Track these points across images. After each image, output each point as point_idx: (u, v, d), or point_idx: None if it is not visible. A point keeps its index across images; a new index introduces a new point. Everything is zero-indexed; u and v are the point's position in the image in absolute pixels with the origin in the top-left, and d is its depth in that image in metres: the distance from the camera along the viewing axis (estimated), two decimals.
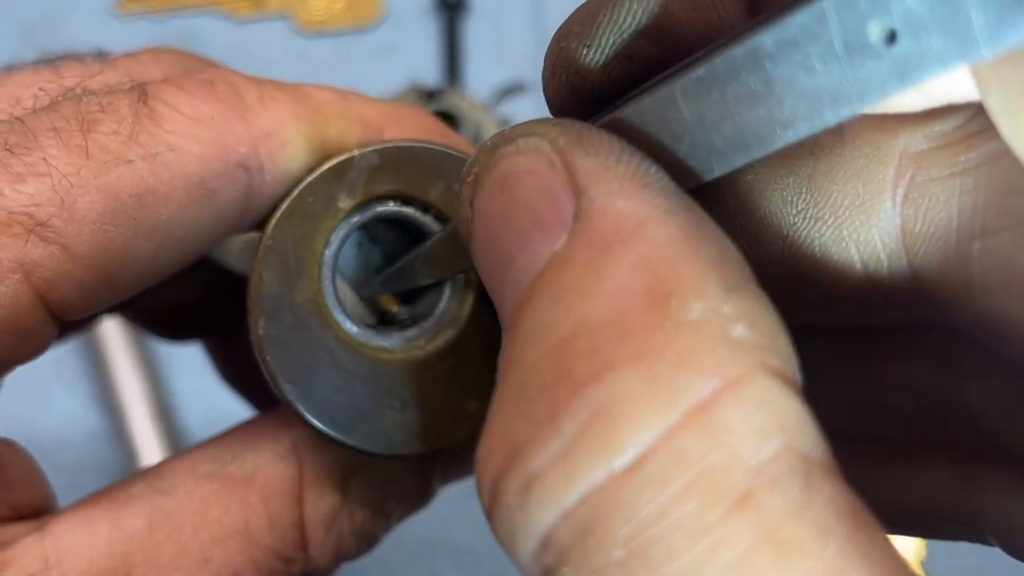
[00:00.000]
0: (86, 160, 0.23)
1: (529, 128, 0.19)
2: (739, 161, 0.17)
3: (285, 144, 0.25)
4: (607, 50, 0.20)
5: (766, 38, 0.15)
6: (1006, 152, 0.19)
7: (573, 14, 0.21)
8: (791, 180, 0.22)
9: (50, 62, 0.27)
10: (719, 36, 0.18)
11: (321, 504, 0.27)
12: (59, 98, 0.25)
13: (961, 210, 0.20)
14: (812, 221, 0.22)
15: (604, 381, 0.15)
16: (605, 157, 0.17)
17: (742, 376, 0.15)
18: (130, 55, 0.28)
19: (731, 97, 0.16)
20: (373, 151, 0.26)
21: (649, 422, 0.15)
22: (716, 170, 0.17)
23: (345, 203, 0.26)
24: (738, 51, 0.15)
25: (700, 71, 0.16)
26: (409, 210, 0.27)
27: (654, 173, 0.17)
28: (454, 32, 0.71)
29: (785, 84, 0.15)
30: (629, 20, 0.19)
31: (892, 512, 0.25)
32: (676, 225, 0.16)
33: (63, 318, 0.24)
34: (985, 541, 0.24)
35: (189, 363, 0.63)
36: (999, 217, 0.20)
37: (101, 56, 0.28)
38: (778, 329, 0.16)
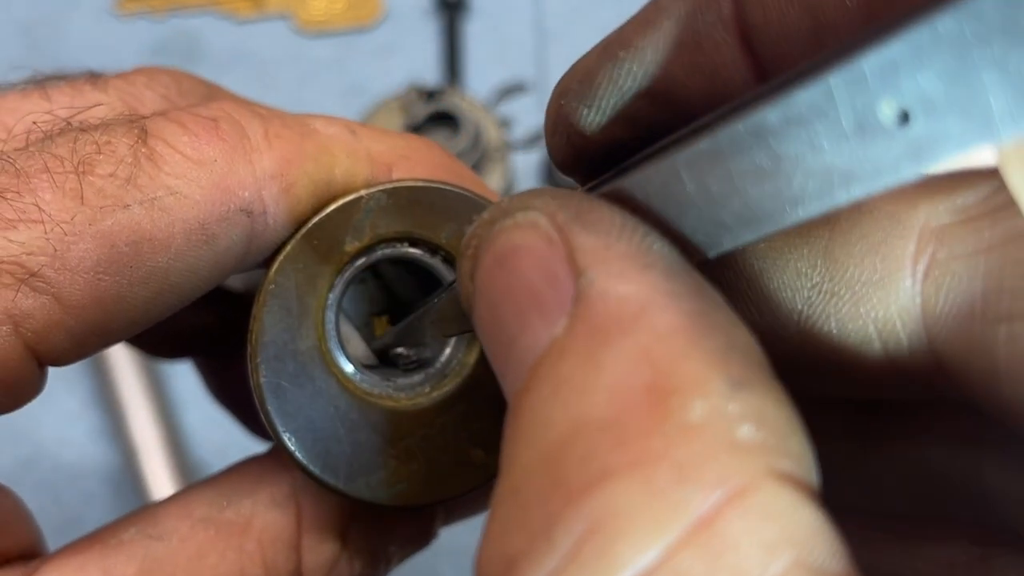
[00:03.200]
0: (81, 205, 0.22)
1: (527, 201, 0.18)
2: (748, 237, 0.16)
3: (291, 186, 0.24)
4: (607, 111, 0.19)
5: (770, 114, 0.14)
6: None
7: (571, 70, 0.20)
8: (806, 251, 0.21)
9: (39, 84, 0.26)
10: (725, 101, 0.17)
11: (319, 552, 0.26)
12: (53, 131, 0.23)
13: (985, 291, 0.19)
14: (828, 296, 0.21)
15: (600, 493, 0.14)
16: (606, 234, 0.16)
17: (747, 484, 0.14)
18: (123, 76, 0.27)
19: (736, 172, 0.15)
20: (381, 191, 0.25)
21: (648, 540, 0.14)
22: (725, 245, 0.17)
23: (351, 245, 0.25)
24: (741, 126, 0.14)
25: (702, 144, 0.15)
26: (417, 252, 0.26)
27: (657, 251, 0.16)
28: (454, 32, 0.71)
29: (792, 161, 0.14)
30: (628, 81, 0.19)
31: None
32: (680, 311, 0.16)
33: (52, 365, 0.23)
34: None
35: (190, 363, 0.63)
36: None
37: (92, 77, 0.26)
38: (790, 426, 0.15)
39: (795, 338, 0.21)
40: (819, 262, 0.21)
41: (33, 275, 0.22)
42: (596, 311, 0.16)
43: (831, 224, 0.20)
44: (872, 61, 0.12)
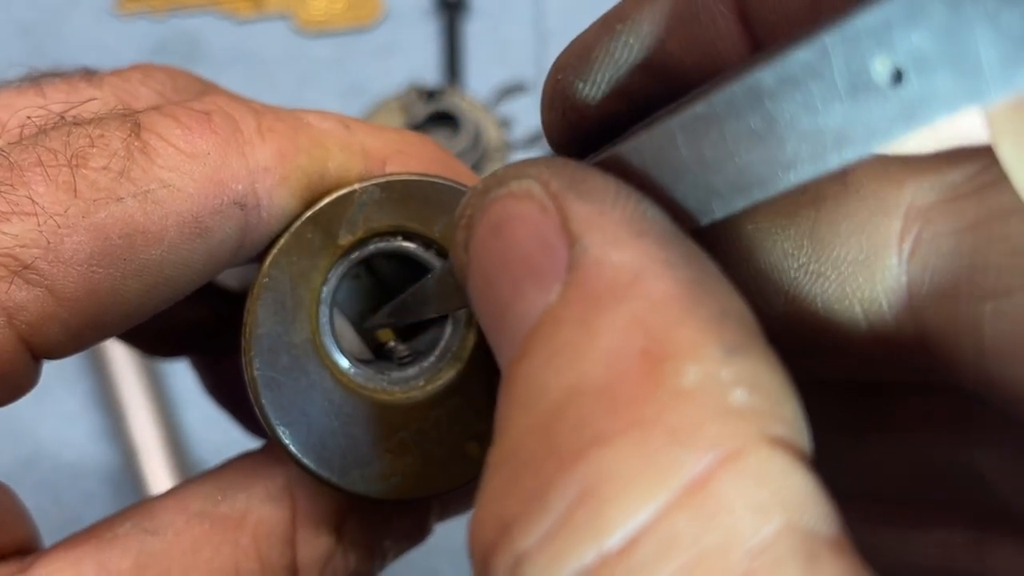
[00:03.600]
0: (74, 198, 0.22)
1: (521, 170, 0.18)
2: (740, 203, 0.16)
3: (284, 179, 0.24)
4: (603, 85, 0.19)
5: (766, 75, 0.14)
6: (1020, 206, 0.18)
7: (569, 46, 0.20)
8: (792, 232, 0.21)
9: (34, 80, 0.26)
10: (719, 74, 0.17)
11: (314, 546, 0.26)
12: (47, 126, 0.23)
13: (971, 268, 0.19)
14: (814, 276, 0.21)
15: (593, 456, 0.14)
16: (600, 201, 0.17)
17: (740, 448, 0.14)
18: (118, 73, 0.27)
19: (731, 136, 0.15)
20: (374, 185, 0.25)
21: (640, 502, 0.14)
22: (716, 212, 0.17)
23: (345, 239, 0.25)
24: (737, 88, 0.14)
25: (698, 108, 0.15)
26: (411, 246, 0.26)
27: (651, 218, 0.16)
28: (454, 32, 0.71)
29: (787, 124, 0.14)
30: (625, 54, 0.19)
31: (902, 573, 0.24)
32: (674, 279, 0.16)
33: (47, 359, 0.23)
34: None
35: (184, 360, 0.63)
36: (1012, 277, 0.18)
37: (87, 74, 0.27)
38: (783, 392, 0.15)
39: (782, 318, 0.21)
40: (805, 242, 0.21)
41: (26, 267, 0.22)
42: (590, 278, 0.16)
43: (817, 204, 0.20)
44: (867, 19, 0.12)
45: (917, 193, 0.20)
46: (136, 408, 0.61)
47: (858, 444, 0.25)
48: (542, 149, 0.68)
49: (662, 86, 0.19)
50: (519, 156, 0.66)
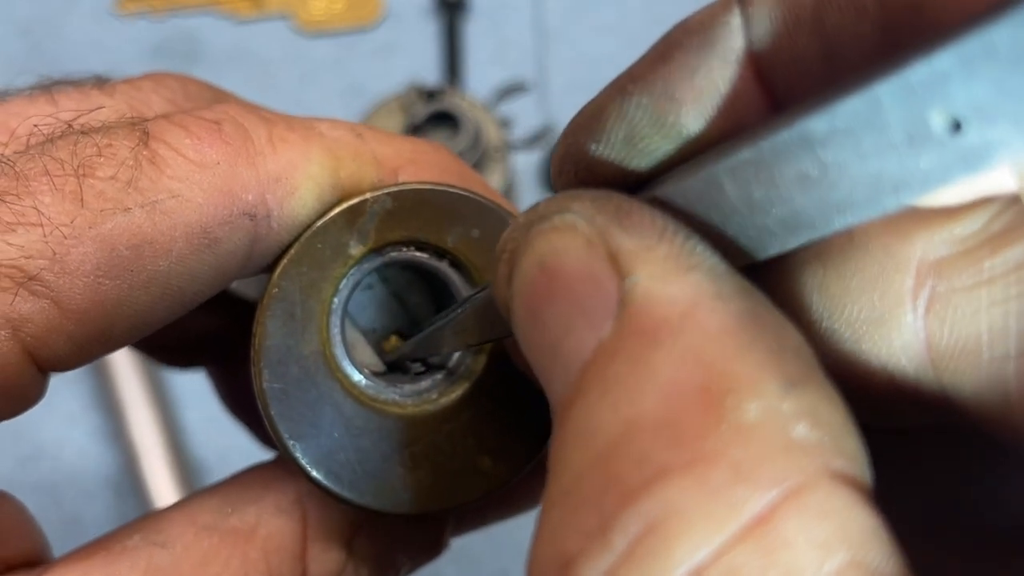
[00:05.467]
0: (80, 208, 0.22)
1: (564, 204, 0.18)
2: (795, 242, 0.16)
3: (295, 190, 0.24)
4: (617, 146, 0.19)
5: (817, 123, 0.14)
6: None
7: (580, 112, 0.20)
8: (798, 290, 0.20)
9: (46, 88, 0.26)
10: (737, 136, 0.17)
11: (325, 561, 0.26)
12: (54, 135, 0.23)
13: (992, 324, 0.18)
14: (828, 333, 0.20)
15: (656, 492, 0.14)
16: (647, 236, 0.16)
17: (803, 484, 0.14)
18: (130, 82, 0.27)
19: (780, 179, 0.15)
20: (386, 194, 0.25)
21: (705, 537, 0.14)
22: (770, 250, 0.16)
23: (356, 249, 0.25)
24: (787, 135, 0.14)
25: (745, 153, 0.15)
26: (423, 256, 0.25)
27: (700, 252, 0.16)
28: (454, 32, 0.71)
29: (839, 169, 0.14)
30: (639, 114, 0.18)
31: None
32: (728, 312, 0.15)
33: (53, 371, 0.23)
34: None
35: (205, 377, 0.63)
36: None
37: (100, 82, 0.26)
38: (845, 426, 0.15)
39: None
40: (814, 299, 0.20)
41: (32, 279, 0.21)
42: (643, 313, 0.16)
43: (823, 259, 0.20)
44: (920, 72, 0.12)
45: (927, 246, 0.19)
46: (136, 409, 0.61)
47: (895, 482, 0.24)
48: (542, 149, 0.68)
49: (681, 151, 0.19)
50: (519, 156, 0.66)
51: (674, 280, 0.16)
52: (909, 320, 0.20)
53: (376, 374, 0.26)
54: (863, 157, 0.13)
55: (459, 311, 0.24)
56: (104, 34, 0.70)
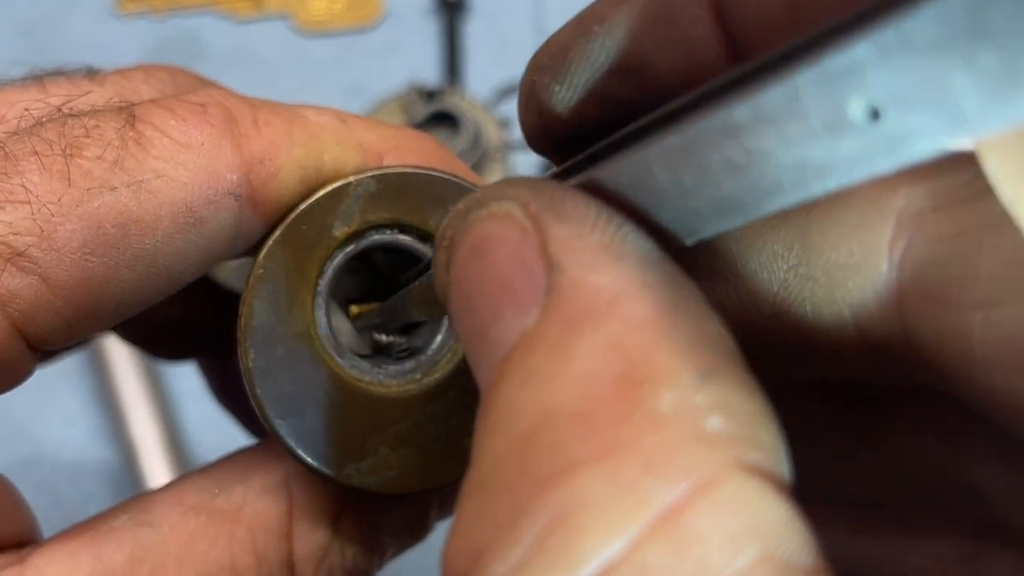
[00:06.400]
0: (68, 187, 0.22)
1: (501, 191, 0.18)
2: (726, 226, 0.16)
3: (278, 171, 0.24)
4: (579, 87, 0.19)
5: (738, 112, 0.14)
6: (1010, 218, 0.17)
7: (544, 46, 0.20)
8: (782, 233, 0.20)
9: (38, 79, 0.26)
10: (696, 78, 0.16)
11: (311, 540, 0.26)
12: (44, 119, 0.24)
13: (962, 278, 0.19)
14: (804, 279, 0.20)
15: (566, 483, 0.14)
16: (579, 224, 0.16)
17: (715, 476, 0.14)
18: (121, 72, 0.27)
19: (708, 166, 0.15)
20: (370, 177, 0.25)
21: (613, 532, 0.14)
22: (702, 233, 0.16)
23: (340, 231, 0.25)
24: (711, 122, 0.14)
25: (671, 139, 0.15)
26: (407, 239, 0.26)
27: (631, 241, 0.16)
28: (454, 32, 0.71)
29: (765, 155, 0.14)
30: (602, 57, 0.18)
31: None
32: (652, 302, 0.15)
33: (42, 348, 0.23)
34: None
35: (189, 362, 0.63)
36: (1004, 288, 0.18)
37: (91, 73, 0.27)
38: (760, 418, 0.15)
39: (771, 320, 0.21)
40: (796, 245, 0.20)
41: (19, 255, 0.22)
42: (568, 301, 0.16)
43: (808, 207, 0.20)
44: (838, 61, 0.12)
45: (910, 199, 0.20)
46: (136, 408, 0.61)
47: (854, 448, 0.25)
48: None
49: (639, 90, 0.19)
50: (519, 156, 0.66)
51: (602, 268, 0.16)
52: (884, 270, 0.20)
53: (361, 356, 0.26)
54: (786, 144, 0.13)
55: (415, 284, 0.24)
56: (104, 34, 0.70)
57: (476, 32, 0.71)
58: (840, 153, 0.13)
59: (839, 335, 0.21)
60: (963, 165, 0.19)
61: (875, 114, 0.12)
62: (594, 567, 0.13)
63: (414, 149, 0.27)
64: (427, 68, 0.70)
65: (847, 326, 0.20)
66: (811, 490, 0.26)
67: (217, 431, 0.62)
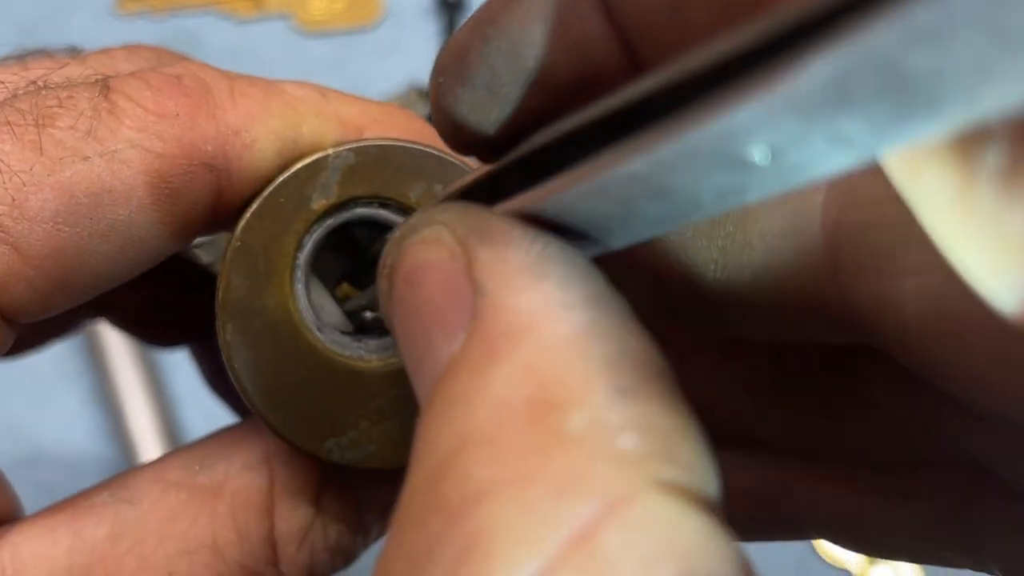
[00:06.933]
0: (39, 156, 0.22)
1: (433, 216, 0.18)
2: (655, 233, 0.16)
3: (254, 142, 0.24)
4: (482, 91, 0.19)
5: (639, 164, 0.14)
6: None
7: (445, 47, 0.20)
8: None
9: (20, 58, 0.26)
10: (594, 78, 0.16)
11: (293, 517, 0.26)
12: (19, 91, 0.23)
13: (892, 243, 0.18)
14: (741, 246, 0.20)
15: (475, 511, 0.14)
16: (503, 245, 0.16)
17: (627, 495, 0.13)
18: (104, 50, 0.27)
19: (627, 198, 0.15)
20: (348, 150, 0.25)
21: (523, 558, 0.13)
22: (633, 240, 0.16)
23: (318, 204, 0.25)
24: (616, 172, 0.14)
25: (583, 186, 0.15)
26: (386, 212, 0.25)
27: (554, 259, 0.16)
28: (454, 32, 0.71)
29: (679, 187, 0.14)
30: (499, 61, 0.18)
31: (892, 542, 0.24)
32: (570, 322, 0.15)
33: (16, 320, 0.23)
34: (988, 570, 0.23)
35: (189, 360, 0.63)
36: (932, 254, 0.17)
37: (74, 52, 0.27)
38: (679, 433, 0.14)
39: (714, 286, 0.21)
40: (730, 213, 0.20)
41: None
42: (488, 325, 0.15)
43: None
44: (726, 123, 0.12)
45: None
46: (136, 406, 0.61)
47: (840, 410, 0.25)
48: None
49: (540, 91, 0.18)
50: None
51: (522, 290, 0.15)
52: (817, 234, 0.20)
53: (343, 332, 0.26)
54: (695, 180, 0.13)
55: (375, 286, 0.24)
56: (104, 34, 0.70)
57: None
58: (751, 181, 0.13)
59: (779, 300, 0.20)
60: None
61: (774, 155, 0.12)
62: None
63: (395, 124, 0.27)
64: (427, 68, 0.70)
65: (787, 291, 0.20)
66: (803, 452, 0.26)
67: (219, 425, 0.62)
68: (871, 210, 0.19)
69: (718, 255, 0.21)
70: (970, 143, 0.12)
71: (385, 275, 0.19)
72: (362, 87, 0.70)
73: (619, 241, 0.17)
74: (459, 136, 0.20)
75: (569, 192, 0.16)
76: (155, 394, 0.61)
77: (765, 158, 0.12)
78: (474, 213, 0.17)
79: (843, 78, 0.11)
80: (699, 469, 0.14)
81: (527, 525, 0.13)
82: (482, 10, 0.19)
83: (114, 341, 0.61)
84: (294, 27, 0.71)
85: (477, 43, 0.18)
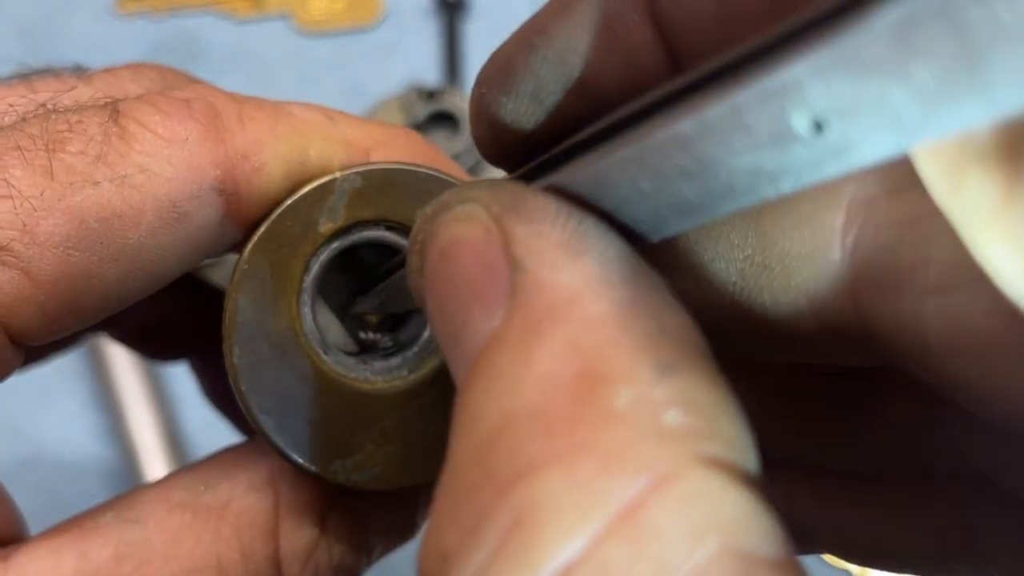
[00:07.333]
0: (50, 181, 0.22)
1: (465, 193, 0.18)
2: (687, 225, 0.16)
3: (263, 166, 0.24)
4: (527, 100, 0.19)
5: (686, 125, 0.14)
6: None
7: (491, 58, 0.20)
8: (737, 223, 0.21)
9: (25, 77, 0.26)
10: (639, 87, 0.17)
11: (298, 538, 0.26)
12: (28, 115, 0.24)
13: (913, 264, 0.19)
14: (760, 268, 0.20)
15: (525, 485, 0.14)
16: (540, 222, 0.16)
17: (673, 471, 0.14)
18: (109, 71, 0.27)
19: (663, 173, 0.15)
20: (356, 173, 0.25)
21: (572, 531, 0.14)
22: (665, 232, 0.17)
23: (326, 227, 0.25)
24: (660, 135, 0.14)
25: (624, 151, 0.15)
26: (393, 235, 0.26)
27: (592, 236, 0.16)
28: (454, 32, 0.71)
29: (716, 163, 0.14)
30: (546, 70, 0.18)
31: (899, 555, 0.24)
32: (611, 299, 0.15)
33: (25, 343, 0.23)
34: None
35: (183, 363, 0.63)
36: (955, 274, 0.18)
37: (80, 71, 0.27)
38: (721, 409, 0.15)
39: (731, 308, 0.21)
40: (750, 234, 0.20)
41: (2, 249, 0.22)
42: (530, 302, 0.16)
43: None
44: (775, 80, 0.12)
45: (860, 186, 0.20)
46: (136, 408, 0.61)
47: (845, 423, 0.25)
48: None
49: (585, 100, 0.19)
50: None
51: (562, 267, 0.16)
52: (836, 258, 0.20)
53: (348, 353, 0.26)
54: (735, 154, 0.13)
55: (396, 277, 0.24)
56: (104, 34, 0.70)
57: (476, 32, 0.71)
58: (789, 161, 0.13)
59: (797, 322, 0.21)
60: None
61: (818, 126, 0.12)
62: (554, 567, 0.14)
63: (401, 146, 0.27)
64: (427, 68, 0.70)
65: (804, 313, 0.20)
66: (809, 465, 0.26)
67: (217, 432, 0.62)
68: (890, 232, 0.19)
69: (737, 277, 0.21)
70: (1020, 145, 0.12)
71: (416, 251, 0.19)
72: (362, 87, 0.70)
73: (644, 227, 0.17)
74: (498, 144, 0.20)
75: (606, 161, 0.16)
76: (155, 395, 0.61)
77: (809, 129, 0.12)
78: (508, 189, 0.17)
79: (906, 24, 0.10)
80: (740, 444, 0.15)
81: (576, 500, 0.14)
82: (530, 22, 0.19)
83: (114, 343, 0.61)
84: (294, 27, 0.71)
85: (524, 53, 0.19)
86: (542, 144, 0.19)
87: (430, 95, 0.64)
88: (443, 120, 0.63)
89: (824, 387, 0.25)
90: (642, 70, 0.18)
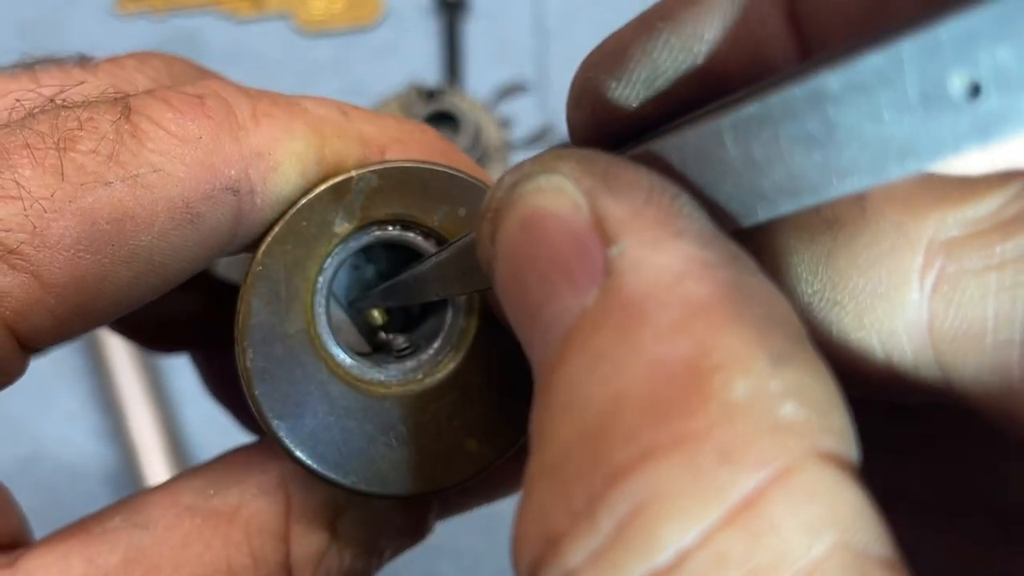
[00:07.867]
0: (61, 182, 0.21)
1: (551, 164, 0.17)
2: (787, 207, 0.15)
3: (277, 165, 0.24)
4: (639, 86, 0.19)
5: (832, 79, 0.13)
6: None
7: (602, 43, 0.19)
8: (807, 256, 0.20)
9: (29, 67, 0.25)
10: (761, 79, 0.16)
11: (308, 542, 0.25)
12: (36, 110, 0.23)
13: (998, 309, 0.18)
14: (830, 304, 0.20)
15: (643, 473, 0.14)
16: (635, 199, 0.16)
17: (791, 466, 0.14)
18: (114, 60, 0.27)
19: (785, 138, 0.14)
20: (372, 172, 0.25)
21: (691, 520, 0.14)
22: (760, 215, 0.16)
23: (341, 227, 0.25)
24: (798, 90, 0.14)
25: (753, 108, 0.15)
26: (410, 235, 0.25)
27: (688, 215, 0.16)
28: (454, 32, 0.71)
29: (848, 130, 0.13)
30: (665, 54, 0.18)
31: None
32: (716, 282, 0.15)
33: (34, 347, 0.23)
34: None
35: (189, 360, 0.63)
36: None
37: (83, 61, 0.26)
38: (832, 402, 0.15)
39: None
40: (820, 269, 0.20)
41: (11, 252, 0.21)
42: (629, 283, 0.15)
43: (834, 231, 0.20)
44: (952, 29, 0.12)
45: (940, 226, 0.19)
46: (136, 408, 0.61)
47: (891, 451, 0.24)
48: (543, 149, 0.68)
49: (701, 88, 0.18)
50: (519, 156, 0.66)
51: (662, 247, 0.15)
52: (914, 299, 0.19)
53: (362, 355, 0.26)
54: (874, 118, 0.13)
55: (440, 256, 0.24)
56: (104, 34, 0.70)
57: (476, 32, 0.71)
58: (929, 131, 0.13)
59: (864, 359, 0.20)
60: (992, 191, 0.19)
61: (975, 91, 0.12)
62: (670, 555, 0.14)
63: (417, 142, 0.26)
64: (427, 68, 0.70)
65: (874, 351, 0.20)
66: None
67: (217, 430, 0.62)
68: (974, 277, 0.19)
69: (802, 310, 0.20)
70: None
71: (489, 218, 0.18)
72: (362, 87, 0.70)
73: (737, 207, 0.16)
74: (597, 130, 0.20)
75: (721, 121, 0.15)
76: (155, 394, 0.61)
77: (964, 92, 0.12)
78: (598, 160, 0.17)
79: None
80: (850, 438, 0.15)
81: (695, 490, 0.14)
82: (654, 7, 0.19)
83: (115, 341, 0.61)
84: (294, 27, 0.71)
85: (643, 38, 0.18)
86: (642, 132, 0.19)
87: (430, 95, 0.64)
88: (443, 120, 0.63)
89: (870, 417, 0.25)
90: (767, 62, 0.18)
